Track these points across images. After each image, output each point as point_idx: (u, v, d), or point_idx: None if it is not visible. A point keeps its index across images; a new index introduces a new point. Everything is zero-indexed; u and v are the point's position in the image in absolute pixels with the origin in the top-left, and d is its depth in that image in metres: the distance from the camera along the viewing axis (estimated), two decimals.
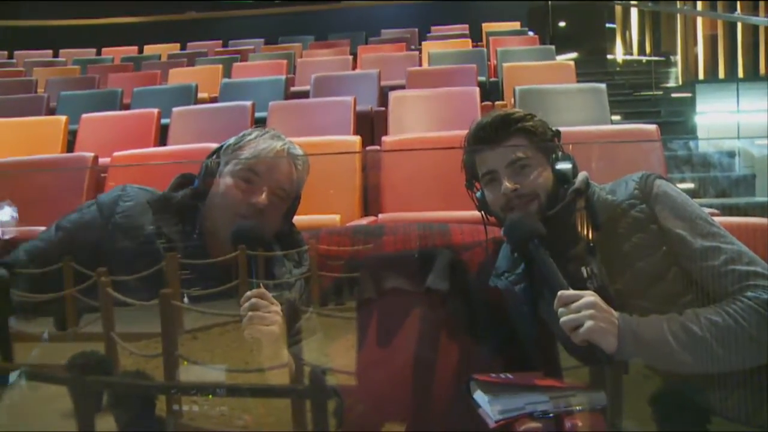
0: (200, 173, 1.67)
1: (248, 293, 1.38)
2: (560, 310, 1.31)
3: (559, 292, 1.32)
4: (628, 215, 1.48)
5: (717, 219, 1.51)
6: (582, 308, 1.29)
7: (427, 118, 4.33)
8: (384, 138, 3.53)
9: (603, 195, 1.54)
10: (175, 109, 4.53)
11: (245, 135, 1.68)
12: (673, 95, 8.90)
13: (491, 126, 1.59)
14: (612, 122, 4.69)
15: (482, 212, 1.65)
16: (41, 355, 1.37)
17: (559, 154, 1.58)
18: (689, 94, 7.96)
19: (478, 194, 1.63)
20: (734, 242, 1.42)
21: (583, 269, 1.44)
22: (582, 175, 1.57)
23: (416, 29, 9.81)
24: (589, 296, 1.31)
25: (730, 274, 1.37)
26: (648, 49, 11.77)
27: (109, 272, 1.31)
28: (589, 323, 1.28)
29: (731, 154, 4.90)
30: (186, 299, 1.39)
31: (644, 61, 11.54)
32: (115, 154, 3.41)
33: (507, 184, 1.53)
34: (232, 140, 1.68)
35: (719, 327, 1.31)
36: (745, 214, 1.79)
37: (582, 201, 1.53)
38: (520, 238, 1.47)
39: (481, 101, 4.46)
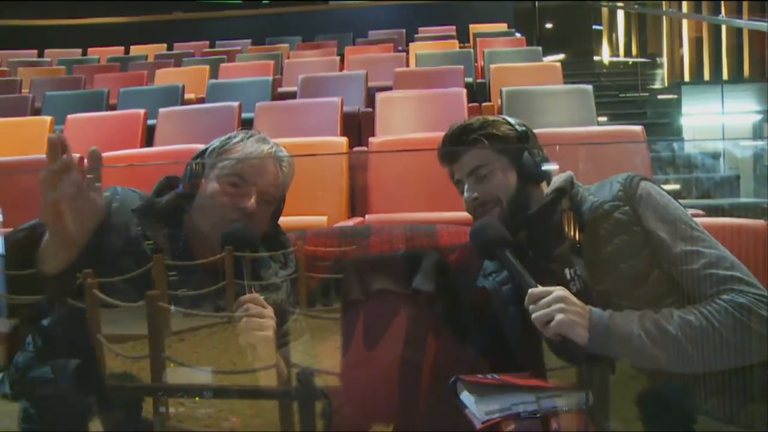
0: (185, 176, 1.66)
1: (241, 298, 1.37)
2: (530, 307, 1.33)
3: (529, 291, 1.34)
4: (611, 217, 1.48)
5: (702, 220, 1.52)
6: (551, 303, 1.31)
7: (414, 119, 4.33)
8: (371, 139, 3.54)
9: (586, 196, 1.55)
10: (161, 110, 4.52)
11: (231, 138, 1.67)
12: (659, 97, 8.95)
13: (451, 138, 1.64)
14: (598, 123, 4.71)
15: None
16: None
17: (525, 158, 1.59)
18: (675, 96, 8.01)
19: None
20: (716, 246, 1.43)
21: (567, 270, 1.45)
22: (566, 174, 1.59)
23: (403, 30, 9.81)
24: (559, 291, 1.33)
25: (709, 278, 1.38)
26: (634, 51, 11.86)
27: (99, 272, 1.30)
28: (559, 316, 1.29)
29: (716, 156, 4.93)
30: (173, 307, 1.38)
31: (630, 62, 11.62)
32: (102, 155, 3.39)
33: (466, 194, 1.59)
34: (217, 143, 1.67)
35: (692, 327, 1.33)
36: (730, 215, 1.80)
37: (566, 201, 1.55)
38: (483, 244, 1.49)
39: (469, 102, 4.48)
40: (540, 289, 1.34)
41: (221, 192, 1.57)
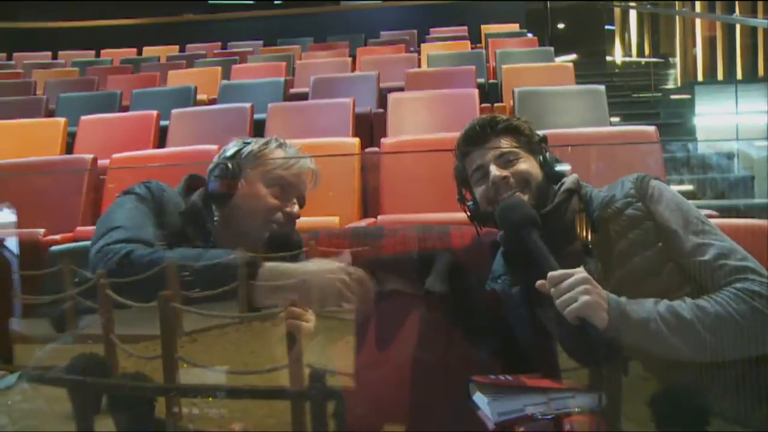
0: (217, 175, 1.67)
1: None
2: (552, 290, 1.32)
3: (549, 273, 1.33)
4: (623, 214, 1.49)
5: (716, 221, 1.52)
6: (575, 285, 1.30)
7: (426, 119, 4.33)
8: (383, 140, 3.54)
9: (598, 194, 1.56)
10: (174, 111, 4.54)
11: (268, 143, 1.71)
12: (672, 97, 8.91)
13: (479, 127, 1.64)
14: (611, 124, 4.69)
15: (475, 222, 1.67)
16: (42, 358, 1.37)
17: (547, 155, 1.62)
18: (688, 96, 7.98)
19: (471, 204, 1.65)
20: (727, 240, 1.44)
21: (581, 268, 1.45)
22: (573, 177, 1.60)
23: (415, 31, 9.79)
24: (581, 272, 1.32)
25: (721, 268, 1.39)
26: (647, 51, 11.82)
27: None
28: (583, 298, 1.29)
29: (730, 156, 4.90)
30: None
31: (643, 62, 11.58)
32: (114, 156, 3.41)
33: (495, 172, 1.57)
34: (253, 147, 1.69)
35: (707, 313, 1.33)
36: (744, 216, 1.80)
37: (576, 200, 1.55)
38: (513, 222, 1.47)
39: (480, 103, 4.47)
40: (561, 271, 1.33)
41: (269, 194, 1.62)
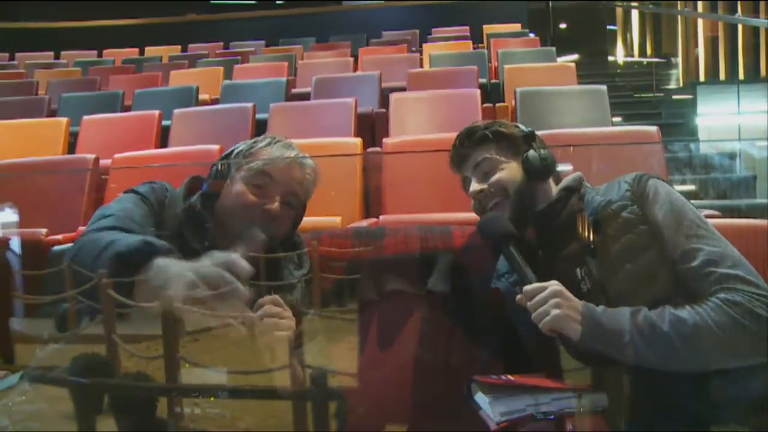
0: (209, 176, 1.67)
1: (262, 299, 1.37)
2: (528, 304, 1.35)
3: (524, 288, 1.36)
4: (619, 216, 1.47)
5: (717, 221, 1.51)
6: (548, 298, 1.33)
7: (428, 119, 4.33)
8: (385, 140, 3.53)
9: (594, 196, 1.55)
10: (176, 111, 4.54)
11: (257, 141, 1.69)
12: (674, 97, 8.91)
13: (458, 142, 1.67)
14: (613, 124, 4.69)
15: None
16: (43, 358, 1.37)
17: (529, 154, 1.60)
18: (690, 96, 7.97)
19: None
20: (720, 245, 1.41)
21: (577, 270, 1.45)
22: (575, 174, 1.60)
23: (417, 31, 9.80)
24: (554, 285, 1.35)
25: (709, 276, 1.37)
26: (649, 51, 11.82)
27: None
28: (554, 311, 1.31)
29: (732, 156, 4.91)
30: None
31: (645, 62, 11.59)
32: (116, 156, 3.42)
33: (472, 188, 1.61)
34: (243, 146, 1.68)
35: (685, 325, 1.31)
36: (746, 216, 1.79)
37: (575, 201, 1.55)
38: (489, 238, 1.53)
39: (482, 103, 4.46)
40: (535, 285, 1.36)
41: (247, 192, 1.59)
